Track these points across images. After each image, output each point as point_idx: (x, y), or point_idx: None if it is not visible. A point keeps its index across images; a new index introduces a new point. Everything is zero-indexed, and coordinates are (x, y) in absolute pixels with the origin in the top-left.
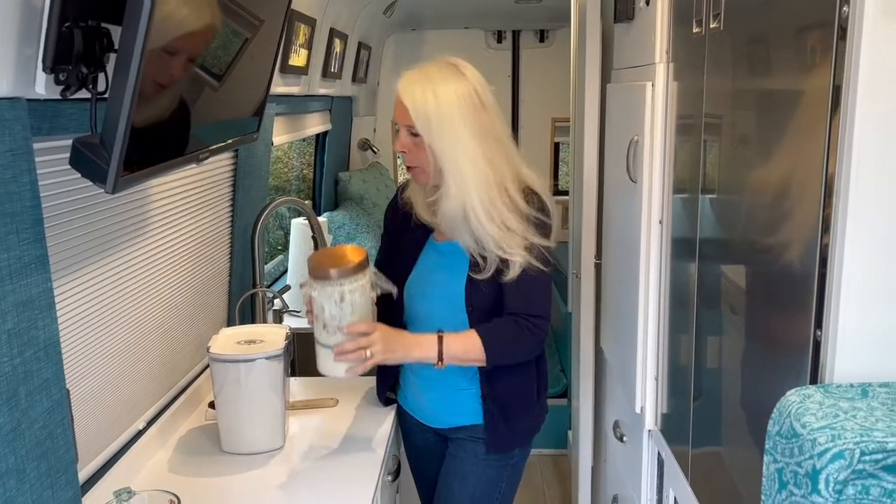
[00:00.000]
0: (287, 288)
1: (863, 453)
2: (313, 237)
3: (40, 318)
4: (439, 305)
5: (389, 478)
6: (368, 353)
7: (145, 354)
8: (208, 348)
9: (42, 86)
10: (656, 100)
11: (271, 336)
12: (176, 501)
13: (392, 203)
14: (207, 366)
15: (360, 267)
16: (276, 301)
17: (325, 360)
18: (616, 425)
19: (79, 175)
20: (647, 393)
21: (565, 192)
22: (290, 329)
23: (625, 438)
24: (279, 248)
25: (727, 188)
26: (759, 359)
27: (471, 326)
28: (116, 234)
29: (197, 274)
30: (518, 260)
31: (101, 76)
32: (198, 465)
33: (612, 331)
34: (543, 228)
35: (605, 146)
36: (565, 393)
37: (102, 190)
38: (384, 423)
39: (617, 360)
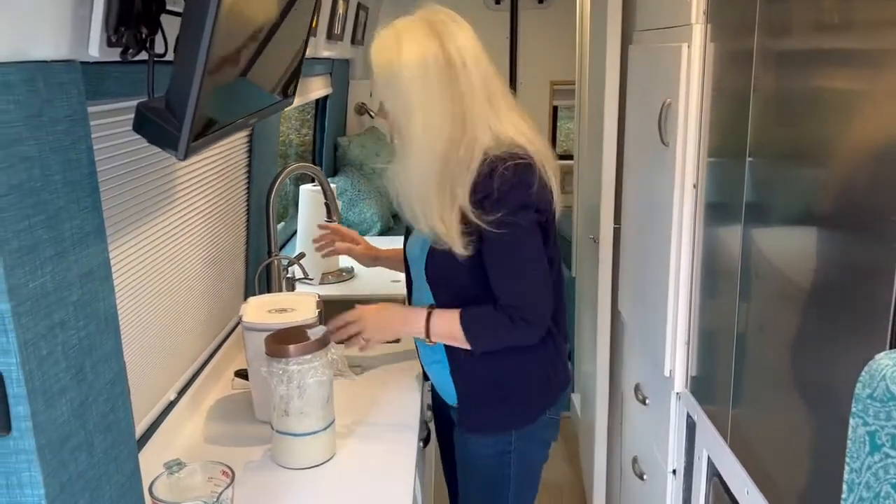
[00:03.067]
0: (302, 255)
1: None
2: (326, 204)
3: (100, 289)
4: (416, 275)
5: (421, 444)
6: (361, 338)
7: (172, 325)
8: (240, 317)
9: (96, 48)
10: (692, 62)
11: (301, 304)
12: (230, 473)
13: None
14: (228, 335)
15: (312, 347)
16: (291, 269)
17: (282, 449)
18: (637, 388)
19: (105, 144)
20: (676, 357)
21: (564, 157)
22: (319, 297)
23: (647, 401)
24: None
25: (784, 152)
26: (822, 324)
27: (435, 301)
28: (143, 205)
29: (216, 243)
30: (456, 244)
31: (158, 38)
32: (234, 435)
33: (632, 295)
34: (489, 202)
35: (627, 109)
36: (568, 356)
37: (172, 156)
38: (411, 390)
39: (639, 325)
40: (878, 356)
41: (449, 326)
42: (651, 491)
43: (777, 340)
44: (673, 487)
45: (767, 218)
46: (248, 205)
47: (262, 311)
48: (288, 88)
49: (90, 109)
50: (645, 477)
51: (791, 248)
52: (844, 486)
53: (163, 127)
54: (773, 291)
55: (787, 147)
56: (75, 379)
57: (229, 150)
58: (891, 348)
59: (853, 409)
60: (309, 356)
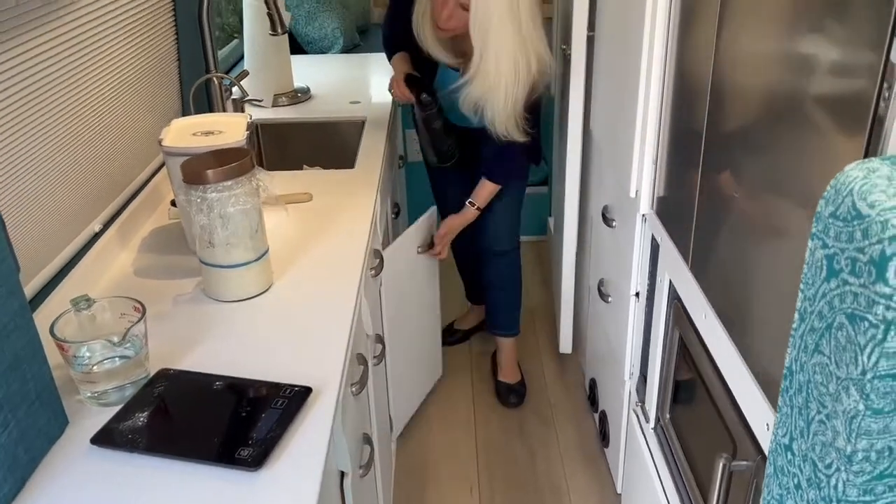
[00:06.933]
0: (245, 73)
1: None
2: (269, 14)
3: None
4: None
5: (372, 272)
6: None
7: (90, 150)
8: (160, 141)
9: None
10: None
11: (230, 126)
12: (140, 308)
13: None
14: (164, 162)
15: (234, 173)
16: (235, 89)
17: (211, 281)
18: (606, 210)
19: None
20: (643, 176)
21: None
22: (252, 117)
23: (614, 224)
24: (234, 35)
25: None
26: (795, 133)
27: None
28: (20, 11)
29: (137, 60)
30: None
31: None
32: (167, 268)
33: (604, 111)
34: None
35: None
36: (545, 181)
37: None
38: (363, 217)
39: (609, 143)
40: (848, 167)
41: (488, 194)
42: (615, 313)
43: (745, 158)
44: (635, 310)
45: (743, 21)
46: (174, 14)
47: (185, 134)
48: None
49: None
50: (610, 299)
51: (766, 51)
52: (796, 315)
53: None
54: (744, 102)
55: None
56: None
57: None
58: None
59: (813, 230)
60: (230, 182)
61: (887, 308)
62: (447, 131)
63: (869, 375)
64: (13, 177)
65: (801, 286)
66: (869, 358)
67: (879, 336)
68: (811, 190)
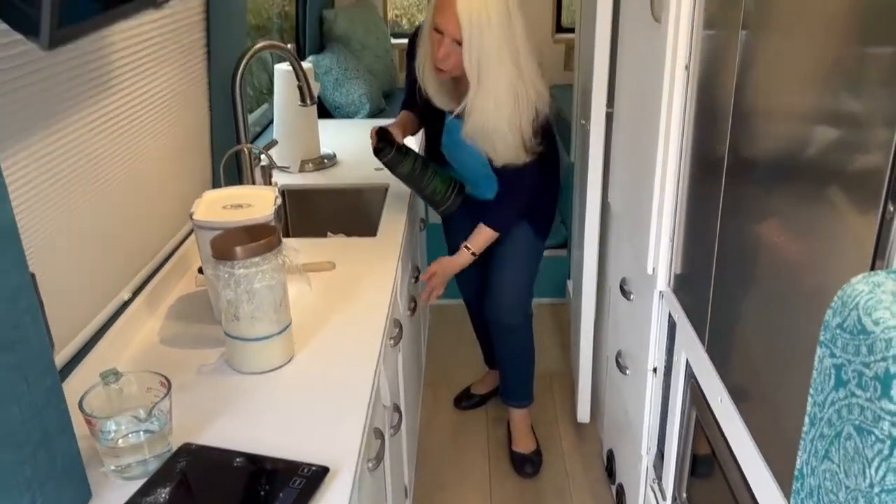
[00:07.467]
0: (274, 143)
1: None
2: (299, 86)
3: None
4: (472, 164)
5: (391, 342)
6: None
7: (122, 221)
8: (191, 214)
9: None
10: None
11: (259, 199)
12: (166, 384)
13: (412, 43)
14: (193, 229)
15: (262, 250)
16: (263, 157)
17: (235, 353)
18: (623, 282)
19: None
20: (660, 254)
21: (570, 30)
22: (279, 188)
23: (632, 297)
24: (265, 93)
25: (779, 24)
26: (806, 230)
27: (498, 176)
28: (69, 94)
29: (172, 131)
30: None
31: None
32: (192, 336)
33: (622, 185)
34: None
35: None
36: (565, 244)
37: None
38: (384, 287)
39: (627, 217)
40: (854, 280)
41: (485, 241)
42: (633, 386)
43: (759, 243)
44: (653, 385)
45: (758, 106)
46: (209, 88)
47: (216, 206)
48: None
49: None
50: (628, 372)
51: (782, 131)
52: (806, 420)
53: (20, 8)
54: (761, 183)
55: (788, 19)
56: None
57: (179, 30)
58: (873, 265)
59: (821, 338)
60: (257, 259)
61: (893, 425)
62: (423, 172)
63: (877, 489)
64: (49, 255)
65: (811, 391)
66: (876, 472)
67: (886, 451)
68: (826, 276)
